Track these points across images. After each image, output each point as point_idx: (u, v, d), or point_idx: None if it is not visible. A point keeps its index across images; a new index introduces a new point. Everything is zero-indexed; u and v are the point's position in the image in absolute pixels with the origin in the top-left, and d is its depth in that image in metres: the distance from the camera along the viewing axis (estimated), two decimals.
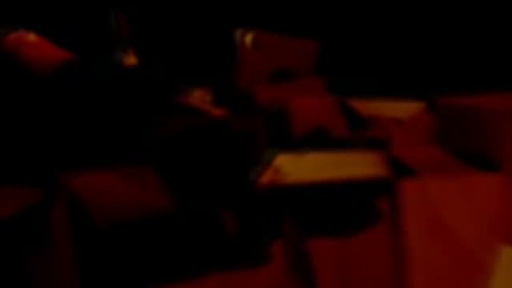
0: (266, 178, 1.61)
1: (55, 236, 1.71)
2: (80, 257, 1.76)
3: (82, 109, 2.28)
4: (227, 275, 2.12)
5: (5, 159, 2.05)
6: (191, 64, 3.01)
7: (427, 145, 1.83)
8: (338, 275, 2.12)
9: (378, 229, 2.34)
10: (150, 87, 2.51)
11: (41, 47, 2.47)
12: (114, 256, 1.91)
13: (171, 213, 2.10)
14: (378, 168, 1.63)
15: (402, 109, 3.14)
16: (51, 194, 1.77)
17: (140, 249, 2.00)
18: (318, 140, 2.74)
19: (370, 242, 2.31)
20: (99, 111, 2.29)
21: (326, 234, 2.36)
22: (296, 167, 1.69)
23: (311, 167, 1.72)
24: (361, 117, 3.22)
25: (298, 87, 3.05)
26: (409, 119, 2.72)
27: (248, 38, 2.90)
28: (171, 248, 2.07)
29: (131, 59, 2.85)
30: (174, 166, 2.21)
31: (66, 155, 2.20)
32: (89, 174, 2.06)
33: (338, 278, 2.09)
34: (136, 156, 2.21)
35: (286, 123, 2.68)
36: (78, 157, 2.21)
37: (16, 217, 1.63)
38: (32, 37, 2.48)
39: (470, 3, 3.21)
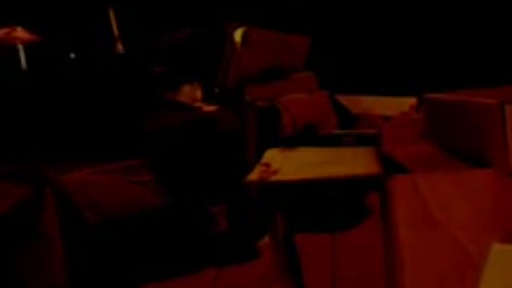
0: (257, 174, 1.61)
1: (45, 232, 1.71)
2: (70, 252, 1.76)
3: (72, 103, 2.27)
4: (218, 270, 2.13)
5: None
6: (183, 61, 3.01)
7: (418, 141, 1.83)
8: (328, 270, 2.12)
9: (369, 225, 2.35)
10: (139, 84, 2.51)
11: (29, 40, 2.46)
12: (104, 252, 1.90)
13: (161, 209, 2.10)
14: (369, 164, 1.63)
15: (393, 106, 3.15)
16: (42, 191, 1.76)
17: (131, 245, 1.99)
18: (309, 137, 2.74)
19: (361, 238, 2.32)
20: (90, 107, 2.29)
21: (317, 230, 2.37)
22: (287, 164, 1.69)
23: (302, 164, 1.71)
24: (352, 114, 3.23)
25: (289, 84, 3.05)
26: (399, 115, 2.73)
27: (240, 35, 2.90)
28: (161, 244, 2.07)
29: (119, 51, 2.85)
30: (164, 162, 2.21)
31: (56, 152, 2.19)
32: (79, 171, 2.06)
33: (328, 274, 2.10)
34: (126, 152, 2.20)
35: (277, 119, 2.69)
36: (68, 154, 2.20)
37: (7, 214, 1.63)
38: (19, 31, 2.46)
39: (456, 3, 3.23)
